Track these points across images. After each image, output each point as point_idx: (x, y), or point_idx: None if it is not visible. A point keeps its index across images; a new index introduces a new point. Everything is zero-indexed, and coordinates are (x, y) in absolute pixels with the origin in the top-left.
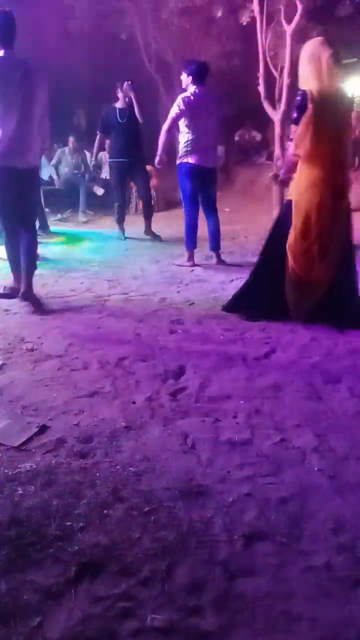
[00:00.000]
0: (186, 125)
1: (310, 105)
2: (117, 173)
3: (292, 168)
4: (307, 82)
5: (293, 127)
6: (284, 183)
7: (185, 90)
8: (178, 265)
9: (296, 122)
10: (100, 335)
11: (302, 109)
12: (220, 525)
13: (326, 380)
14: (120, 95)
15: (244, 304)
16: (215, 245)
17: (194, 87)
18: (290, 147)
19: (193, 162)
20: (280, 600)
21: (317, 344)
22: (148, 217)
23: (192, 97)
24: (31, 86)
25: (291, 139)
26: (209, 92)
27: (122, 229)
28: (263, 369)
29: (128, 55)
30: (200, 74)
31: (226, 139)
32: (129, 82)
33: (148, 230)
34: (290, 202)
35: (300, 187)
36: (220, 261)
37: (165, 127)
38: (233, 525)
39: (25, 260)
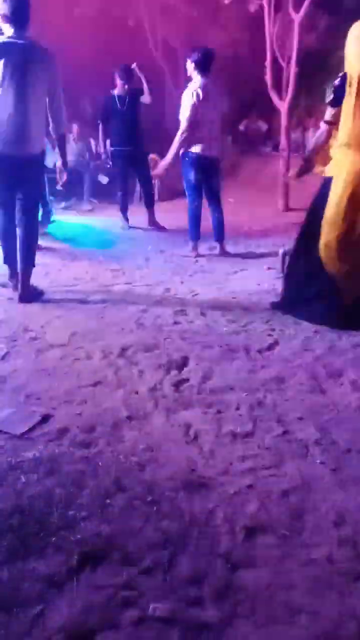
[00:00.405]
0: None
1: (355, 87)
2: (119, 161)
3: (324, 140)
4: (350, 64)
5: (329, 109)
6: (307, 169)
7: (190, 78)
8: (182, 255)
9: (333, 104)
10: (104, 325)
11: (340, 90)
12: (222, 517)
13: (329, 374)
14: (118, 82)
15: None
16: (220, 236)
17: (200, 78)
18: (326, 114)
19: (197, 151)
20: (281, 592)
21: (320, 336)
22: (150, 207)
23: (201, 91)
24: (37, 70)
25: (327, 122)
26: (213, 83)
27: (126, 218)
28: (266, 361)
29: (135, 42)
30: (205, 64)
31: (232, 129)
32: (135, 65)
33: (151, 220)
34: (329, 179)
35: (347, 172)
36: (224, 252)
37: (183, 128)
38: (235, 517)
39: (21, 257)
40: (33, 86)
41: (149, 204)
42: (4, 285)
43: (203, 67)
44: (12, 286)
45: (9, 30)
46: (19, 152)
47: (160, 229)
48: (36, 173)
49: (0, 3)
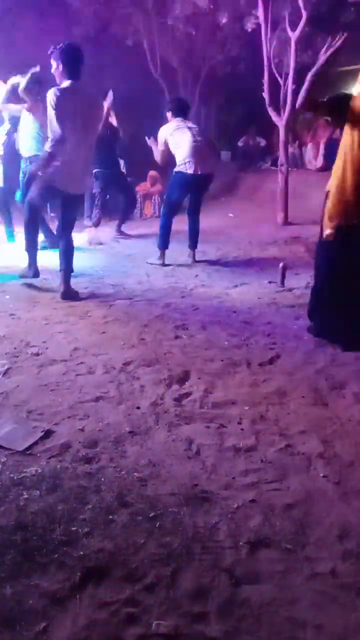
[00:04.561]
0: (179, 145)
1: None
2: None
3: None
4: None
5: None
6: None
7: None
8: (150, 263)
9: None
10: (105, 340)
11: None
12: (225, 532)
13: (332, 386)
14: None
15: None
16: (193, 243)
17: (174, 119)
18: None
19: (190, 172)
20: (286, 606)
21: (322, 349)
22: (124, 219)
23: (175, 125)
24: (92, 117)
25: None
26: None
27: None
28: (268, 375)
29: (133, 61)
30: (179, 109)
31: (231, 145)
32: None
33: (119, 230)
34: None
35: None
36: (195, 260)
37: (157, 159)
38: (238, 532)
39: (64, 261)
40: (89, 133)
41: (125, 217)
42: (23, 276)
43: (177, 112)
44: (32, 273)
45: (64, 80)
46: (74, 191)
47: (127, 236)
48: (79, 203)
49: (57, 54)
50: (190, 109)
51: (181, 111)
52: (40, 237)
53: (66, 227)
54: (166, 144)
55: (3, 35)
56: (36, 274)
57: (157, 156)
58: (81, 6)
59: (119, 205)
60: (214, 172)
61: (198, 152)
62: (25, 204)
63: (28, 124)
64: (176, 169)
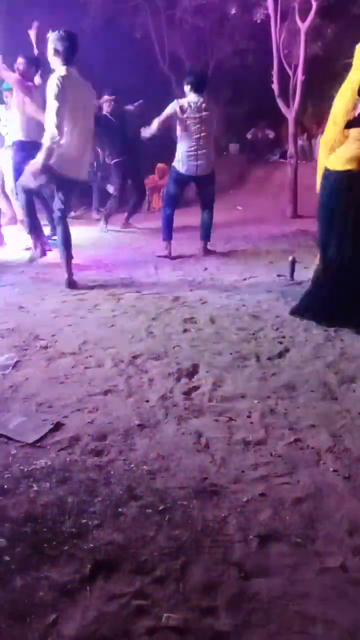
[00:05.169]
0: (180, 134)
1: None
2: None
3: None
4: None
5: None
6: None
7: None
8: (158, 256)
9: None
10: (114, 333)
11: None
12: (235, 525)
13: (341, 380)
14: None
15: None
16: (204, 235)
17: (193, 94)
18: None
19: (181, 170)
20: (295, 601)
21: (331, 343)
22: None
23: (185, 104)
24: (89, 102)
25: None
26: (206, 102)
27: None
28: (277, 369)
29: (141, 53)
30: (198, 83)
31: (239, 138)
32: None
33: (126, 222)
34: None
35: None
36: (206, 251)
37: (154, 123)
38: (248, 525)
39: (64, 250)
40: (88, 118)
41: (135, 210)
42: (32, 259)
43: (196, 86)
44: (39, 253)
45: (59, 66)
46: (72, 176)
47: (133, 228)
48: (76, 189)
49: (54, 39)
50: (207, 84)
51: (200, 86)
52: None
53: (61, 213)
54: (169, 118)
55: (10, 28)
56: (43, 252)
57: (155, 121)
58: None
59: (127, 197)
60: (210, 173)
61: (195, 153)
62: (19, 188)
63: (15, 107)
64: (173, 163)
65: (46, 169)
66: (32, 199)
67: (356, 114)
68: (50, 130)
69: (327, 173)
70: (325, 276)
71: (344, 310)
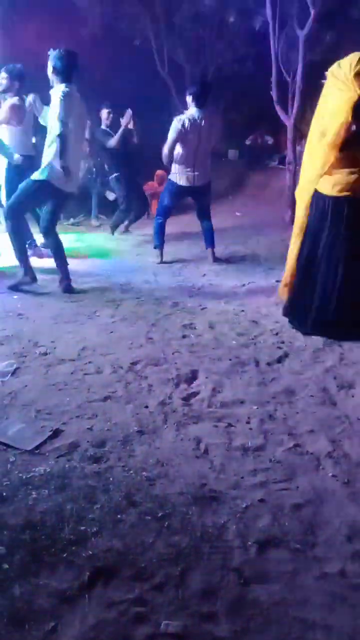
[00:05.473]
0: (179, 145)
1: None
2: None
3: None
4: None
5: None
6: None
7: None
8: (153, 261)
9: None
10: (113, 340)
11: None
12: (234, 531)
13: (340, 385)
14: (105, 114)
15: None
16: (210, 243)
17: (195, 109)
18: None
19: (179, 183)
20: (295, 607)
21: (330, 348)
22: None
23: (187, 121)
24: (84, 118)
25: None
26: (208, 116)
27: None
28: (276, 374)
29: (141, 60)
30: (201, 96)
31: (238, 144)
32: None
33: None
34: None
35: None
36: (215, 258)
37: (166, 150)
38: (247, 531)
39: (58, 257)
40: (84, 132)
41: (137, 219)
42: (21, 284)
43: (199, 99)
44: (30, 280)
45: (59, 84)
46: (69, 190)
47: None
48: (69, 202)
49: (54, 58)
50: (209, 95)
51: (202, 99)
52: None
53: (53, 224)
54: (176, 141)
55: (9, 36)
56: (34, 278)
57: (166, 148)
58: (89, 6)
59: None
60: (207, 183)
61: (193, 164)
62: (9, 211)
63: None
64: (170, 176)
65: (44, 185)
66: (21, 225)
67: (351, 131)
68: (61, 147)
69: (320, 196)
70: (306, 284)
71: (323, 319)
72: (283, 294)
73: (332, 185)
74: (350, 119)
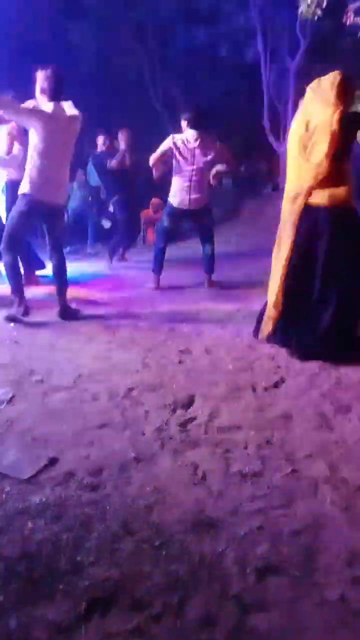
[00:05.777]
0: (175, 167)
1: None
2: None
3: None
4: None
5: None
6: None
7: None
8: (149, 287)
9: None
10: (110, 366)
11: None
12: (233, 559)
13: (337, 409)
14: (101, 141)
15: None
16: (209, 268)
17: (190, 130)
18: None
19: (177, 204)
20: (295, 634)
21: (326, 372)
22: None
23: (179, 140)
24: (69, 134)
25: None
26: (202, 139)
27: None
28: (273, 399)
29: (136, 92)
30: (195, 119)
31: (232, 171)
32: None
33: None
34: None
35: None
36: (211, 283)
37: (151, 159)
38: (245, 559)
39: (58, 280)
40: (67, 148)
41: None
42: (13, 319)
43: (193, 120)
44: (22, 311)
45: (45, 102)
46: (51, 200)
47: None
48: (61, 216)
49: (41, 79)
50: (203, 120)
51: (197, 122)
52: None
53: (57, 245)
54: (165, 154)
55: (3, 75)
56: (27, 311)
57: (152, 156)
58: (82, 43)
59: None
60: (205, 206)
61: (189, 186)
62: (4, 245)
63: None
64: (168, 198)
65: (27, 201)
66: (17, 260)
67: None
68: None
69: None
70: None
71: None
72: (268, 328)
73: (326, 196)
74: (338, 129)
